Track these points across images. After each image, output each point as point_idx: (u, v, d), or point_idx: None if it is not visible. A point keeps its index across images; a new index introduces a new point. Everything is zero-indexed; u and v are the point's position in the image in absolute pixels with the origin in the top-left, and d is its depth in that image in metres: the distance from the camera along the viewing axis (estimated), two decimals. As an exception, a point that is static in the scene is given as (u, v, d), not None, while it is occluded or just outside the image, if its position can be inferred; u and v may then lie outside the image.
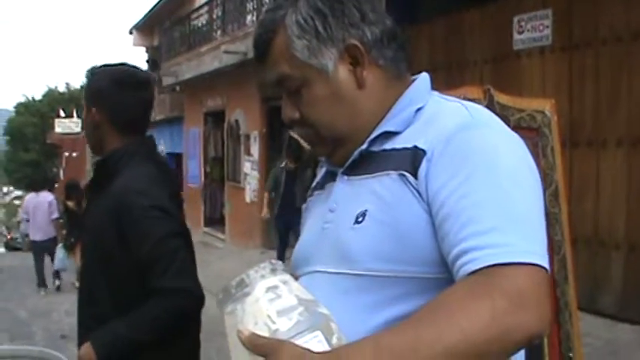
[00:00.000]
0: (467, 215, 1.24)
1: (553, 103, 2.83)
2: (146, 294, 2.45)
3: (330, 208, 1.51)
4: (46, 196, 14.47)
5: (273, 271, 1.28)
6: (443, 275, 1.29)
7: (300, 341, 1.15)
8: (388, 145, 1.46)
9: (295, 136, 8.55)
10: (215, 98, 18.59)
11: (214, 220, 19.60)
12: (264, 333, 1.18)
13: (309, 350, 1.14)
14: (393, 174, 1.39)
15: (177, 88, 21.31)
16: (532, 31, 7.65)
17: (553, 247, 2.71)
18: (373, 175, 1.44)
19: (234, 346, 1.22)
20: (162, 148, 25.66)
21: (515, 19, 7.83)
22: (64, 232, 13.82)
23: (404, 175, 1.37)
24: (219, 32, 17.86)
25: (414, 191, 1.35)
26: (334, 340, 1.19)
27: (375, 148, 1.48)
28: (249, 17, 15.92)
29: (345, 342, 1.19)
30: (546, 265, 1.20)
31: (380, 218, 1.37)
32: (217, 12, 18.09)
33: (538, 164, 2.71)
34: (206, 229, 19.47)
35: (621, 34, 6.70)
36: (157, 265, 2.43)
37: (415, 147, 1.38)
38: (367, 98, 1.49)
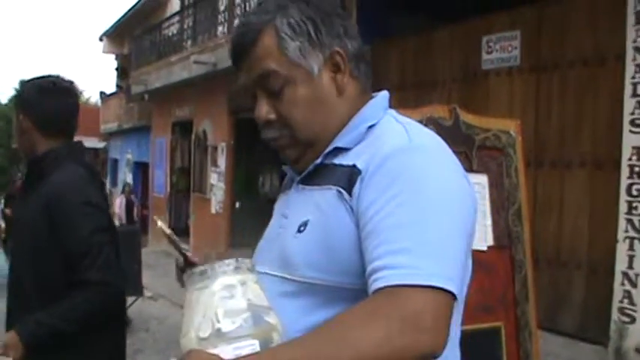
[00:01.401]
0: (385, 235, 1.32)
1: (518, 123, 2.87)
2: (70, 286, 2.60)
3: (284, 214, 1.62)
4: None
5: (237, 269, 1.34)
6: (363, 287, 1.35)
7: (233, 346, 1.22)
8: (337, 160, 1.54)
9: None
10: (183, 108, 18.53)
11: (179, 230, 19.42)
12: (208, 328, 1.25)
13: (217, 356, 1.22)
14: (334, 189, 1.48)
15: (146, 96, 21.20)
16: (501, 51, 7.73)
17: (514, 266, 2.75)
18: (319, 187, 1.54)
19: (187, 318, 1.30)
20: (130, 156, 25.55)
21: (485, 39, 7.90)
22: (4, 236, 14.99)
23: (340, 192, 1.46)
24: (189, 42, 17.82)
25: (348, 207, 1.44)
26: (253, 348, 1.25)
27: (327, 161, 1.56)
28: (220, 28, 15.90)
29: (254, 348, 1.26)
30: (453, 289, 1.26)
31: (316, 229, 1.47)
32: (188, 22, 18.05)
33: (502, 183, 2.76)
34: (171, 239, 19.31)
35: (588, 57, 6.79)
36: (83, 258, 2.59)
37: (354, 165, 1.47)
38: (342, 106, 1.59)
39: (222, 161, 15.84)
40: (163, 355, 8.07)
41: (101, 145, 30.46)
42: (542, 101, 7.25)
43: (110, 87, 27.49)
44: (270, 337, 1.27)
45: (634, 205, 6.27)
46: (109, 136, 29.05)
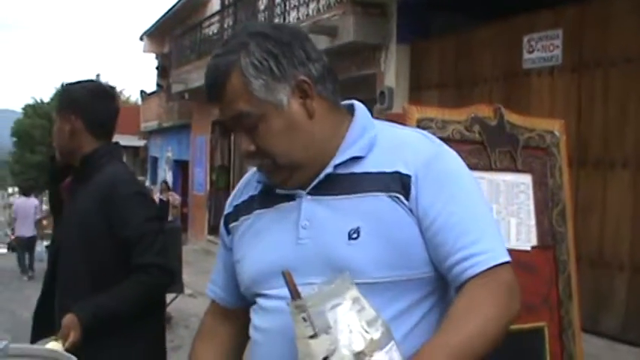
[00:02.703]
0: (458, 229, 1.57)
1: (562, 123, 2.86)
2: (125, 274, 2.73)
3: (302, 225, 1.66)
4: (33, 201, 18.20)
5: (352, 282, 1.44)
6: (432, 273, 1.62)
7: (385, 351, 1.37)
8: (357, 169, 1.66)
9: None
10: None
11: (218, 228, 19.53)
12: (360, 340, 1.35)
13: None
14: (383, 195, 1.61)
15: (186, 95, 21.34)
16: (542, 50, 7.68)
17: (558, 266, 2.74)
18: (355, 195, 1.63)
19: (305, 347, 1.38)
20: (169, 154, 25.74)
21: (526, 39, 7.86)
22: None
23: (396, 197, 1.60)
24: (229, 41, 17.86)
25: (407, 209, 1.60)
26: (399, 351, 1.40)
27: (340, 171, 1.66)
28: (260, 27, 15.92)
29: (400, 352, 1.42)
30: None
31: (376, 233, 1.58)
32: (228, 21, 18.14)
33: (546, 183, 2.75)
34: (210, 237, 19.45)
35: (631, 55, 6.72)
36: (139, 243, 2.75)
37: (399, 172, 1.62)
38: (317, 126, 1.67)
39: (261, 160, 15.86)
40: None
41: (141, 143, 30.71)
42: (584, 101, 7.20)
43: (150, 86, 27.74)
44: (394, 337, 1.41)
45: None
46: (149, 134, 29.30)
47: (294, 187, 1.68)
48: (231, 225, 1.83)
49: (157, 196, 18.75)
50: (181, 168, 24.43)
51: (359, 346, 1.33)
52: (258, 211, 1.76)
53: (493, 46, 8.44)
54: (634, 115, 6.69)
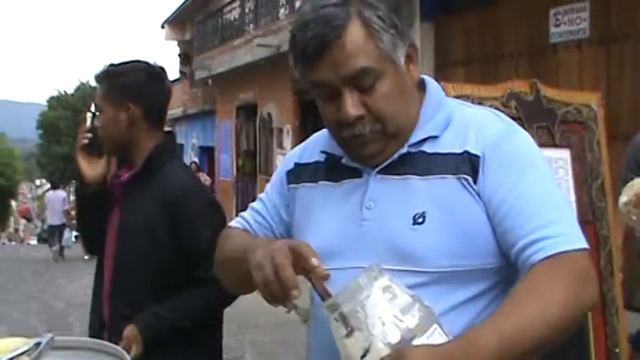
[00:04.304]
0: (528, 212, 1.45)
1: (599, 96, 2.83)
2: (186, 283, 2.58)
3: (366, 206, 1.57)
4: (61, 193, 20.95)
5: (380, 271, 1.34)
6: (498, 265, 1.52)
7: (426, 336, 1.27)
8: (428, 149, 1.57)
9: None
10: (247, 92, 18.63)
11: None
12: (395, 331, 1.26)
13: (438, 345, 1.25)
14: (451, 178, 1.52)
15: (210, 81, 21.40)
16: (569, 24, 7.58)
17: (599, 242, 2.71)
18: (423, 177, 1.54)
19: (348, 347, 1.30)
20: (195, 141, 25.83)
21: (552, 12, 7.76)
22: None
23: (465, 179, 1.51)
24: (251, 26, 17.90)
25: (474, 193, 1.51)
26: (445, 330, 1.30)
27: (414, 150, 1.57)
28: (282, 11, 15.93)
29: (445, 329, 1.31)
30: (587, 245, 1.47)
31: (442, 219, 1.50)
32: (250, 5, 18.13)
33: (584, 158, 2.72)
34: (238, 222, 19.49)
35: (661, 26, 6.62)
36: (206, 256, 2.42)
37: (468, 152, 1.53)
38: (416, 95, 1.62)
39: (287, 143, 15.89)
40: (235, 339, 8.17)
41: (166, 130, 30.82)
42: (613, 74, 7.10)
43: (173, 73, 27.71)
44: (438, 318, 1.32)
45: None
46: (173, 121, 29.39)
47: (372, 163, 1.58)
48: (291, 185, 1.74)
49: None
50: (207, 154, 24.52)
51: (395, 338, 1.25)
52: (323, 182, 1.67)
53: (518, 20, 8.35)
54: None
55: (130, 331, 2.53)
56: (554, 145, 2.61)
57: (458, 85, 2.46)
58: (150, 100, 2.71)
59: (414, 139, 1.57)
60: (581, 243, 1.43)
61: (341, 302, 1.31)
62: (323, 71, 1.50)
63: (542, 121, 2.58)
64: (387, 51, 1.50)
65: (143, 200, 2.66)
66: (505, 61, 8.49)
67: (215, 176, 22.48)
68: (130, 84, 2.69)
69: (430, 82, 1.67)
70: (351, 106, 1.50)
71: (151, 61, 2.83)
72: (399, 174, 1.57)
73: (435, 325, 1.29)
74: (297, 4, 14.96)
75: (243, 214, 1.85)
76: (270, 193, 1.81)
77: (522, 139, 1.58)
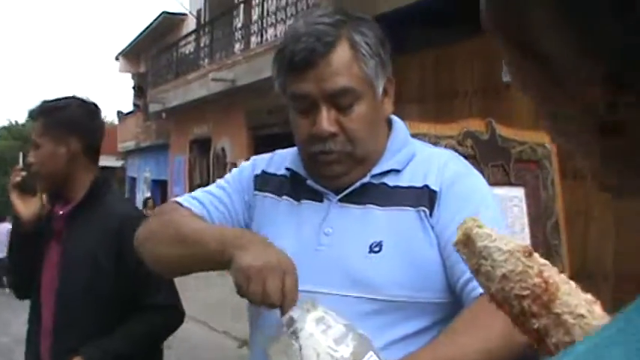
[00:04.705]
0: None
1: (552, 136, 2.86)
2: (131, 311, 2.58)
3: (324, 232, 1.59)
4: (7, 225, 18.47)
5: (313, 304, 1.35)
6: (448, 300, 1.53)
7: None
8: (389, 181, 1.62)
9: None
10: (201, 126, 18.58)
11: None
12: None
13: None
14: (410, 210, 1.56)
15: (164, 115, 21.31)
16: (521, 63, 7.69)
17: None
18: (383, 208, 1.58)
19: None
20: (148, 174, 25.63)
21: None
22: None
23: (423, 211, 1.55)
24: (206, 60, 17.91)
25: (429, 226, 1.54)
26: (381, 357, 1.31)
27: (375, 181, 1.61)
28: (237, 45, 15.99)
29: (382, 357, 1.33)
30: None
31: (398, 249, 1.53)
32: (205, 40, 18.18)
33: (539, 196, 2.74)
34: (191, 257, 19.34)
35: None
36: (151, 283, 2.51)
37: (427, 187, 1.57)
38: (384, 128, 1.68)
39: (241, 178, 15.84)
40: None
41: (119, 163, 30.60)
42: (564, 113, 7.21)
43: (127, 106, 27.64)
44: (373, 346, 1.33)
45: None
46: (126, 154, 29.21)
47: (337, 187, 1.62)
48: (256, 192, 1.74)
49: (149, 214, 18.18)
50: (160, 188, 24.34)
51: None
52: (286, 198, 1.69)
53: (473, 59, 8.46)
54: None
55: None
56: (509, 184, 2.64)
57: (414, 123, 2.47)
58: (88, 134, 2.71)
59: (377, 170, 1.61)
60: None
61: (276, 336, 1.33)
62: (306, 84, 1.55)
63: (497, 160, 2.61)
64: (370, 76, 1.56)
65: (85, 232, 2.64)
66: (459, 99, 8.58)
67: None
68: (69, 119, 2.68)
69: (397, 120, 1.72)
70: (327, 121, 1.55)
71: (84, 97, 2.83)
72: (359, 203, 1.60)
73: (371, 352, 1.30)
74: (252, 40, 15.05)
75: (195, 195, 1.80)
76: (231, 186, 1.79)
77: (477, 180, 1.64)
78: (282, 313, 1.37)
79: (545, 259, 2.39)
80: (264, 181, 1.75)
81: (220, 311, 11.79)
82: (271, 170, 1.76)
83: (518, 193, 2.66)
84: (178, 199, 1.79)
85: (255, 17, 14.89)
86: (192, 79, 17.90)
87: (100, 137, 2.80)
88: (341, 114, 1.56)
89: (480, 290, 1.35)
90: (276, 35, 13.39)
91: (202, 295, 13.57)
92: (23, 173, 2.71)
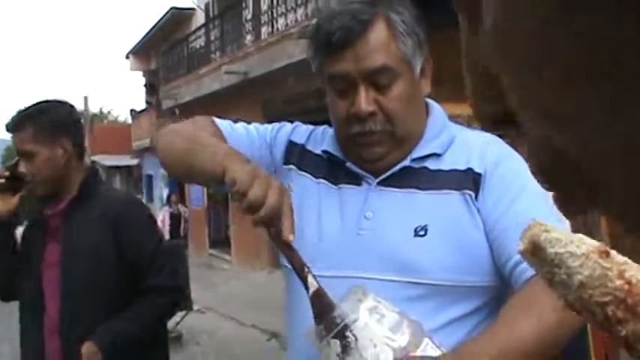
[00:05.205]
0: (523, 228, 1.39)
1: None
2: (134, 294, 2.66)
3: (365, 215, 1.57)
4: None
5: (364, 292, 1.32)
6: (494, 283, 1.53)
7: (419, 351, 1.27)
8: (430, 165, 1.60)
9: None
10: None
11: (219, 241, 19.55)
12: (388, 352, 1.25)
13: (435, 358, 1.29)
14: (455, 193, 1.54)
15: (177, 111, 21.30)
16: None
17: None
18: (426, 191, 1.56)
19: None
20: (163, 171, 25.60)
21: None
22: None
23: (469, 195, 1.53)
24: (217, 53, 17.88)
25: (475, 209, 1.53)
26: (436, 342, 1.30)
27: (415, 165, 1.60)
28: (248, 37, 15.95)
29: (436, 341, 1.31)
30: None
31: (444, 233, 1.51)
32: (215, 33, 18.15)
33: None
34: (211, 251, 19.43)
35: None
36: (152, 265, 2.68)
37: (471, 170, 1.56)
38: (423, 109, 1.66)
39: (258, 169, 15.81)
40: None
41: (134, 162, 30.66)
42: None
43: (139, 104, 27.67)
44: (427, 332, 1.31)
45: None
46: (142, 152, 29.24)
47: (373, 168, 1.60)
48: (291, 166, 1.72)
49: (166, 210, 17.91)
50: (177, 184, 24.34)
51: (388, 358, 1.25)
52: (323, 181, 1.67)
53: (459, 45, 8.41)
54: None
55: (88, 348, 2.54)
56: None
57: (449, 104, 2.43)
58: (77, 132, 2.79)
59: (417, 154, 1.60)
60: None
61: (328, 328, 1.29)
62: (344, 63, 1.53)
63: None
64: (407, 55, 1.54)
65: (85, 225, 2.69)
66: (445, 83, 8.52)
67: (186, 205, 22.33)
68: (58, 120, 2.73)
69: (434, 103, 1.72)
70: (366, 101, 1.53)
71: (57, 98, 2.92)
72: (400, 186, 1.58)
73: (427, 340, 1.29)
74: (263, 30, 15.00)
75: (233, 125, 1.78)
76: (262, 134, 1.77)
77: (520, 162, 1.59)
78: (298, 271, 1.37)
79: (585, 233, 2.34)
80: (300, 156, 1.73)
81: (245, 305, 11.81)
82: (310, 147, 1.74)
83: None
84: (215, 119, 1.78)
85: (264, 7, 14.83)
86: (204, 73, 17.88)
87: (83, 133, 2.90)
88: (379, 93, 1.54)
89: (531, 272, 1.37)
90: (287, 24, 13.35)
91: (224, 289, 13.63)
92: (6, 174, 2.75)
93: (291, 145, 1.75)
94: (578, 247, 0.78)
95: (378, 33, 1.52)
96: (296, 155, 1.73)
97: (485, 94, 0.44)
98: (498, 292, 1.56)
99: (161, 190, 25.85)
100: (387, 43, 1.52)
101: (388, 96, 1.54)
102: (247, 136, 1.76)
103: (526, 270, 1.40)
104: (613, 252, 0.78)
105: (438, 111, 1.69)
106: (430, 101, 1.70)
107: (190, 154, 1.58)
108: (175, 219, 17.42)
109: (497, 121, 0.47)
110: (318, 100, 13.38)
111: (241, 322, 10.66)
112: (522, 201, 1.50)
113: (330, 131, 1.71)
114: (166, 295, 2.72)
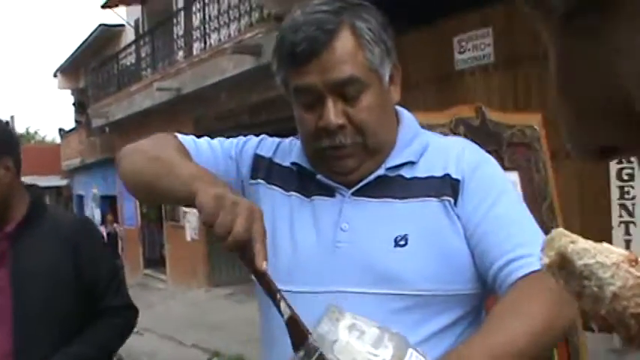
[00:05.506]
0: (504, 232, 1.45)
1: (539, 117, 2.81)
2: (92, 316, 2.59)
3: (342, 228, 1.52)
4: None
5: (341, 311, 1.27)
6: (476, 291, 1.50)
7: None
8: (406, 173, 1.55)
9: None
10: (148, 137, 18.33)
11: (154, 261, 19.35)
12: None
13: None
14: (434, 201, 1.50)
15: (107, 129, 20.99)
16: (473, 50, 7.71)
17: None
18: (403, 200, 1.51)
19: None
20: (96, 191, 25.24)
21: (456, 40, 7.89)
22: None
23: (448, 202, 1.50)
24: (149, 70, 17.69)
25: (454, 215, 1.49)
26: (420, 352, 1.25)
27: (390, 174, 1.55)
28: (180, 53, 15.81)
29: (421, 351, 1.27)
30: None
31: (424, 242, 1.47)
32: (146, 50, 17.94)
33: (532, 179, 2.69)
34: (146, 271, 19.22)
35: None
36: (112, 285, 2.64)
37: (449, 176, 1.52)
38: (394, 117, 1.61)
39: (193, 187, 15.69)
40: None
41: (63, 182, 30.11)
42: (520, 96, 7.24)
43: (68, 123, 27.21)
44: (410, 344, 1.27)
45: (625, 189, 6.28)
46: (72, 172, 28.71)
47: (346, 180, 1.54)
48: (259, 180, 1.65)
49: (103, 230, 17.49)
50: (109, 203, 24.00)
51: None
52: (295, 194, 1.60)
53: (423, 50, 8.46)
54: (572, 105, 6.75)
55: None
56: (504, 169, 2.57)
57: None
58: (16, 151, 2.62)
59: (392, 163, 1.55)
60: None
61: (308, 355, 1.22)
62: (310, 75, 1.47)
63: (490, 146, 2.54)
64: (375, 64, 1.50)
65: (37, 246, 2.58)
66: (412, 90, 8.56)
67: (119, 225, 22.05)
68: (3, 141, 2.57)
69: (404, 110, 1.68)
70: (334, 113, 1.48)
71: None
72: (375, 196, 1.53)
73: (411, 350, 1.24)
74: (195, 46, 14.90)
75: (196, 140, 1.72)
76: (226, 148, 1.71)
77: (496, 167, 1.61)
78: (270, 295, 1.31)
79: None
80: (269, 171, 1.66)
81: (184, 324, 11.66)
82: (277, 160, 1.68)
83: (513, 177, 2.61)
84: (178, 134, 1.72)
85: (196, 23, 14.72)
86: (136, 90, 17.65)
87: (20, 151, 2.72)
88: (348, 105, 1.49)
89: (516, 275, 1.39)
90: (219, 40, 13.26)
91: (161, 309, 13.43)
92: None
93: (258, 159, 1.68)
94: (607, 257, 0.72)
95: (345, 42, 1.47)
96: (263, 169, 1.67)
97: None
98: (480, 300, 1.54)
99: (92, 210, 25.41)
100: (354, 53, 1.47)
101: (357, 107, 1.49)
102: (211, 152, 1.69)
103: (511, 273, 1.40)
104: (641, 260, 0.73)
105: (408, 118, 1.65)
106: (400, 109, 1.66)
107: (157, 177, 1.52)
108: (113, 238, 17.26)
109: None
110: (251, 115, 13.37)
111: (181, 342, 10.53)
112: (501, 205, 1.49)
113: (298, 143, 1.65)
114: (124, 316, 2.68)
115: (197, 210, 1.33)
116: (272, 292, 1.32)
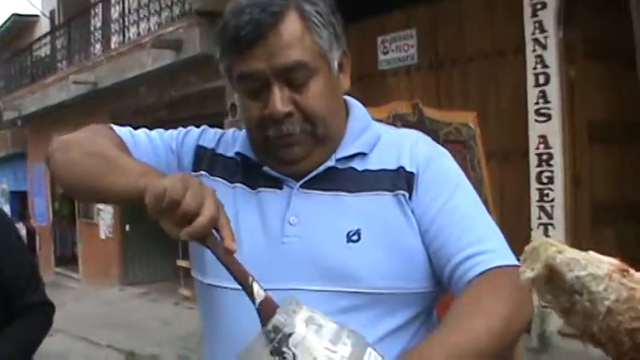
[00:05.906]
0: (461, 227, 1.39)
1: (475, 115, 2.80)
2: (10, 314, 2.52)
3: (289, 221, 1.44)
4: None
5: (298, 303, 1.19)
6: (431, 289, 1.44)
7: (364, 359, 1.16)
8: (357, 166, 1.49)
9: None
10: (62, 132, 17.61)
11: (66, 259, 18.92)
12: None
13: None
14: (387, 194, 1.44)
15: (19, 122, 20.41)
16: (397, 51, 7.74)
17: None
18: (354, 194, 1.45)
19: None
20: (5, 186, 24.53)
21: (380, 40, 7.91)
22: None
23: (402, 196, 1.43)
24: (64, 62, 17.27)
25: (409, 210, 1.43)
26: (379, 352, 1.18)
27: (340, 166, 1.48)
28: (97, 46, 15.50)
29: (379, 350, 1.19)
30: None
31: (378, 237, 1.40)
32: (62, 41, 17.52)
33: (468, 177, 2.67)
34: (57, 269, 18.76)
35: (487, 51, 6.88)
36: (32, 282, 2.60)
37: (403, 169, 1.46)
38: (343, 106, 1.54)
39: (108, 183, 15.40)
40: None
41: (-30, 176, 29.21)
42: (443, 97, 7.30)
43: (-24, 116, 26.41)
44: (368, 342, 1.19)
45: (545, 192, 6.39)
46: (-20, 166, 27.88)
47: (294, 171, 1.46)
48: (201, 171, 1.56)
49: (21, 227, 16.81)
50: (19, 199, 23.35)
51: None
52: (240, 186, 1.51)
53: (347, 49, 8.46)
54: (494, 107, 6.85)
55: None
56: (440, 166, 2.56)
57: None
58: None
59: (342, 154, 1.48)
60: (513, 259, 1.35)
61: (264, 345, 1.15)
62: (254, 61, 1.39)
63: (427, 142, 2.53)
64: (324, 49, 1.42)
65: None
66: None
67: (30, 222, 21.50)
68: None
69: (354, 100, 1.60)
70: (281, 101, 1.40)
71: None
72: (325, 189, 1.46)
73: (369, 349, 1.17)
74: (113, 39, 14.61)
75: (133, 131, 1.63)
76: (166, 140, 1.62)
77: (450, 159, 1.55)
78: (246, 288, 1.23)
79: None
80: (212, 162, 1.58)
81: (98, 324, 11.40)
82: (220, 151, 1.59)
83: (449, 175, 2.59)
84: (114, 126, 1.61)
85: (115, 15, 14.43)
86: (50, 83, 17.18)
87: None
88: (295, 92, 1.40)
89: (475, 271, 1.34)
90: (139, 34, 13.02)
91: (73, 309, 13.10)
92: None
93: (200, 150, 1.59)
94: (598, 268, 0.65)
95: (291, 26, 1.38)
96: (206, 160, 1.58)
97: None
98: (433, 300, 1.49)
99: (1, 205, 24.70)
100: (301, 37, 1.39)
101: (305, 94, 1.41)
102: (150, 144, 1.60)
103: (468, 271, 1.35)
104: (631, 269, 0.66)
105: (359, 109, 1.58)
106: (350, 99, 1.58)
107: (97, 175, 1.41)
108: (31, 235, 16.80)
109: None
110: (170, 111, 13.17)
111: (95, 342, 10.26)
112: (456, 198, 1.44)
113: (242, 133, 1.57)
114: (44, 312, 2.62)
115: (150, 203, 1.23)
116: (243, 275, 1.25)
